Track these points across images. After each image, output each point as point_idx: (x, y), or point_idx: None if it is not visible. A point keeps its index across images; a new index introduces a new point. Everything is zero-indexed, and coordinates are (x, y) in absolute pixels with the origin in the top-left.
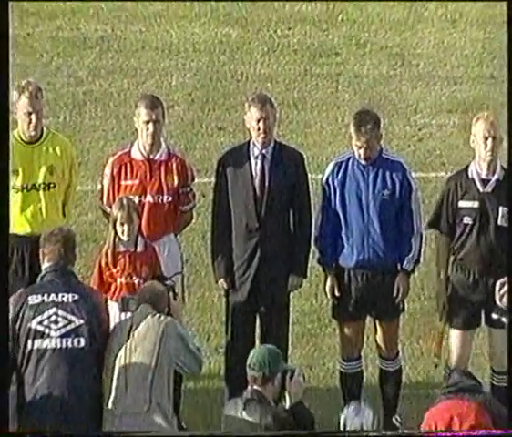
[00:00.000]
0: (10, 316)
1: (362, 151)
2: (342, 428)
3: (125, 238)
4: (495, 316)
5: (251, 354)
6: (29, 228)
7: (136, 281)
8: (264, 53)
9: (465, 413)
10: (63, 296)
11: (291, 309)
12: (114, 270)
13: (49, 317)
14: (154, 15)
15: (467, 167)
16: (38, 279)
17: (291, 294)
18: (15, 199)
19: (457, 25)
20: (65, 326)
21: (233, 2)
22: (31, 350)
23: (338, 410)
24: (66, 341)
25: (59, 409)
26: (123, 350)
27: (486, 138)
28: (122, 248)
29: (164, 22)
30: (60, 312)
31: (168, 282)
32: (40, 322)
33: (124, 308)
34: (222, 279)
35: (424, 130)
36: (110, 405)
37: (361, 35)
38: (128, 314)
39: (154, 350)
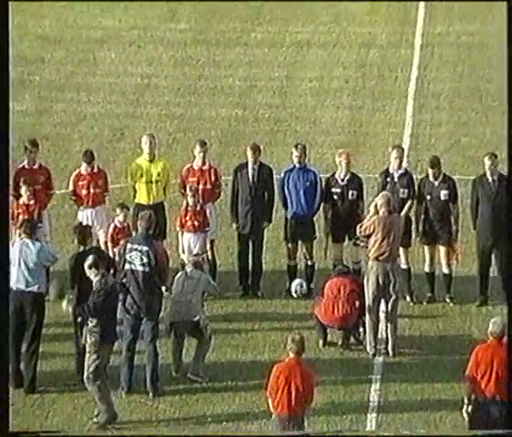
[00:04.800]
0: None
1: (297, 159)
2: (291, 290)
3: (191, 203)
4: (353, 240)
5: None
6: (148, 199)
7: (196, 223)
8: (255, 120)
9: (346, 283)
10: (142, 247)
11: (264, 235)
12: (186, 218)
13: (136, 255)
14: (204, 105)
15: (334, 173)
16: (138, 233)
17: (265, 230)
18: (141, 187)
19: (330, 96)
20: (141, 260)
21: (241, 97)
22: (128, 268)
23: (286, 280)
24: (143, 267)
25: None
26: (181, 285)
27: (343, 161)
28: (190, 208)
29: (207, 108)
30: (139, 253)
31: (202, 257)
32: (131, 256)
33: (192, 264)
34: (234, 223)
35: (325, 156)
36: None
37: (292, 109)
38: (190, 268)
39: (196, 285)
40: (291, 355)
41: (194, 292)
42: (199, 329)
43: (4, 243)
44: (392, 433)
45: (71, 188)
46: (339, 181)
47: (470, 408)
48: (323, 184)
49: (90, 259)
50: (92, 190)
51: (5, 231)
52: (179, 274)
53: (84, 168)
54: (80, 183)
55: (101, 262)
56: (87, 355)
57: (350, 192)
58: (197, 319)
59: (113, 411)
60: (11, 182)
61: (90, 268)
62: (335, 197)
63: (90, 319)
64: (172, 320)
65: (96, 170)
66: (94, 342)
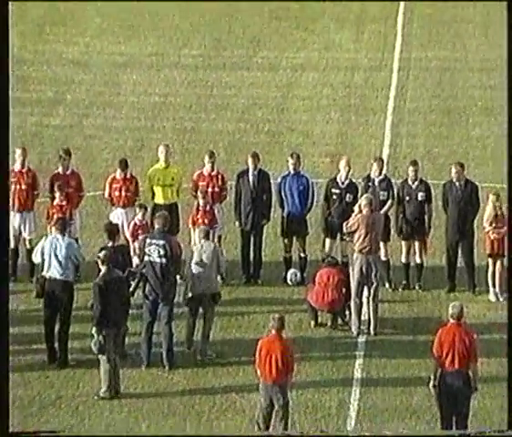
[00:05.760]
0: (140, 246)
1: (292, 166)
2: (287, 279)
3: (201, 204)
4: (342, 236)
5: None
6: (163, 200)
7: (205, 221)
8: (256, 133)
9: (334, 273)
10: (158, 241)
11: (264, 231)
12: (198, 216)
13: (154, 248)
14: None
15: (336, 176)
16: (155, 230)
17: (265, 227)
18: (158, 190)
19: (320, 112)
20: (158, 253)
21: (244, 113)
22: (147, 260)
23: (283, 269)
24: (159, 258)
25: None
26: (198, 256)
27: (344, 166)
28: (200, 208)
29: (215, 122)
30: (156, 247)
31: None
32: (150, 250)
33: (203, 236)
34: (238, 221)
35: (316, 164)
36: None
37: (288, 123)
38: (203, 241)
39: (210, 256)
40: (273, 332)
41: (212, 265)
42: (213, 301)
43: (3, 242)
44: (375, 432)
45: (107, 189)
46: (339, 184)
47: (437, 381)
48: (325, 185)
49: (101, 254)
50: (124, 193)
51: (5, 230)
52: (195, 247)
53: (118, 174)
54: (114, 186)
55: (115, 258)
56: (94, 334)
57: (347, 195)
58: (216, 291)
59: (111, 386)
60: (47, 185)
61: (99, 259)
62: (334, 197)
63: (93, 304)
64: (192, 293)
65: (128, 176)
66: (95, 324)
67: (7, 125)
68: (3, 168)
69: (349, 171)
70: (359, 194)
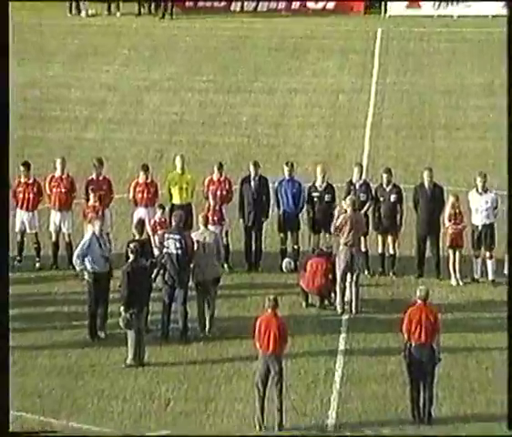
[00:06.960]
0: (159, 241)
1: (287, 172)
2: (283, 267)
3: (212, 204)
4: (326, 231)
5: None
6: (180, 201)
7: (215, 219)
8: (257, 146)
9: (322, 262)
10: (175, 236)
11: (263, 227)
12: (209, 213)
13: (171, 242)
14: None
15: (315, 182)
16: (172, 226)
17: (265, 223)
18: (175, 192)
19: (310, 128)
20: (175, 245)
21: (247, 129)
22: (165, 251)
23: (279, 259)
24: (176, 250)
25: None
26: (200, 246)
27: (320, 173)
28: (211, 207)
29: (222, 137)
30: (173, 241)
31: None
32: (168, 243)
33: (203, 223)
34: (241, 218)
35: (307, 171)
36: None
37: (284, 137)
38: (203, 228)
39: (211, 243)
40: (269, 310)
41: (213, 253)
42: (217, 284)
43: (3, 243)
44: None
45: (131, 192)
46: (318, 188)
47: (407, 352)
48: (306, 190)
49: (131, 246)
50: (145, 195)
51: (5, 231)
52: (197, 236)
53: (141, 178)
54: (137, 189)
55: (141, 250)
56: (122, 312)
57: (326, 196)
58: (218, 275)
59: (136, 356)
60: (83, 189)
61: (129, 249)
62: (315, 199)
63: (121, 288)
64: (199, 279)
65: (149, 180)
66: (123, 304)
67: (7, 125)
68: (3, 169)
69: (324, 176)
70: (336, 193)
